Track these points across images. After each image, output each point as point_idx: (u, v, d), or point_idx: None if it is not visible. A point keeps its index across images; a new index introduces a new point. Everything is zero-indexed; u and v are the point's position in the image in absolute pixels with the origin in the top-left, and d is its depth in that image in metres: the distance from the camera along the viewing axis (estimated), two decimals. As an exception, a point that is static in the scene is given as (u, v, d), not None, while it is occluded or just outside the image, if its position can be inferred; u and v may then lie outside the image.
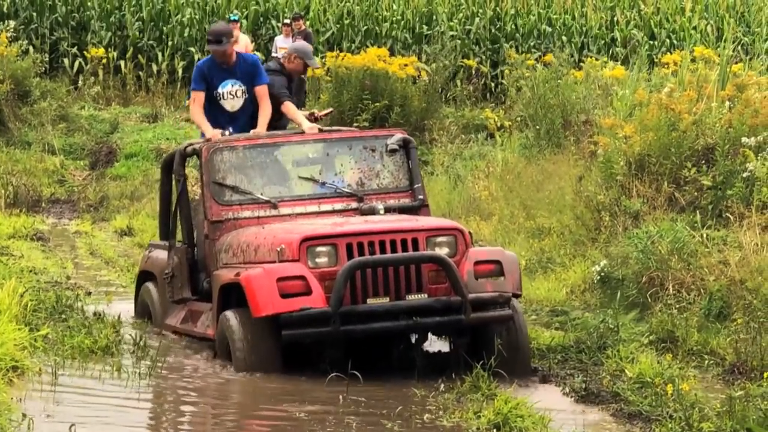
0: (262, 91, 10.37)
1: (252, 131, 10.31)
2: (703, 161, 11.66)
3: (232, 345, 8.71)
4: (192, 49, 25.26)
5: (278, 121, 10.61)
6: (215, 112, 10.35)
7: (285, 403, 8.01)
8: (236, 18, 23.85)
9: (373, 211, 9.46)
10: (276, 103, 10.42)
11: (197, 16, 25.18)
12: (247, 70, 10.47)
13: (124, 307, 11.11)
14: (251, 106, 10.46)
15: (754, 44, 25.67)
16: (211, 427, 7.67)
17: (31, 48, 24.26)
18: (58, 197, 19.51)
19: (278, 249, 8.75)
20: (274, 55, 23.16)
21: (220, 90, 10.40)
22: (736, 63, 16.71)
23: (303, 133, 10.14)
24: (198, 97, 10.32)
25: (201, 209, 9.85)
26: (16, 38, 23.58)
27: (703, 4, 28.07)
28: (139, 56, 25.73)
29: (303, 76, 11.16)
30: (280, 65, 10.90)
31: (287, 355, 8.60)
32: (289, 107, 10.46)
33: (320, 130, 10.41)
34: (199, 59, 12.33)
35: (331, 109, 10.74)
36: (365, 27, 26.67)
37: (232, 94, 10.42)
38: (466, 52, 25.89)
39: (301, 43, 11.43)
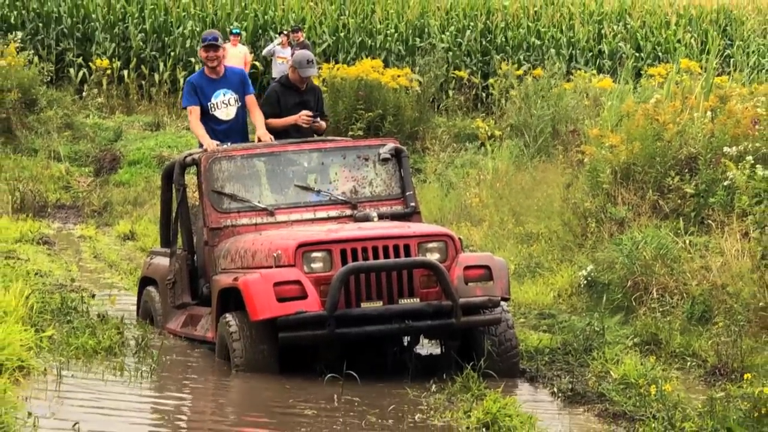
0: (251, 100, 10.63)
1: (257, 133, 10.45)
2: (687, 170, 11.69)
3: (230, 347, 8.70)
4: (193, 59, 25.19)
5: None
6: (210, 123, 10.40)
7: (282, 403, 8.02)
8: (237, 31, 23.91)
9: (366, 218, 9.47)
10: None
11: (198, 28, 25.18)
12: (236, 80, 10.61)
13: (126, 309, 11.13)
14: (243, 115, 10.55)
15: (737, 57, 25.72)
16: (210, 425, 7.68)
17: (37, 58, 24.24)
18: (64, 203, 19.52)
19: (275, 255, 8.76)
20: (272, 54, 23.24)
21: (213, 100, 10.47)
22: (720, 75, 16.77)
23: (299, 143, 10.18)
24: (194, 111, 10.41)
25: (200, 216, 9.87)
26: (23, 49, 23.60)
27: (687, 18, 28.12)
28: (142, 66, 25.74)
29: (313, 86, 11.09)
30: (286, 78, 10.92)
31: (284, 357, 8.61)
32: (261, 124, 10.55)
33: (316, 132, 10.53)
34: (194, 73, 12.37)
35: (317, 118, 10.68)
36: (360, 39, 26.68)
37: (225, 103, 10.50)
38: (458, 63, 25.92)
39: (297, 53, 11.41)
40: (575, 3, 28.76)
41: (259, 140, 10.39)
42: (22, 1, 26.35)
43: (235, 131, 10.51)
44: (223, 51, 10.84)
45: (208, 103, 10.50)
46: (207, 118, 10.46)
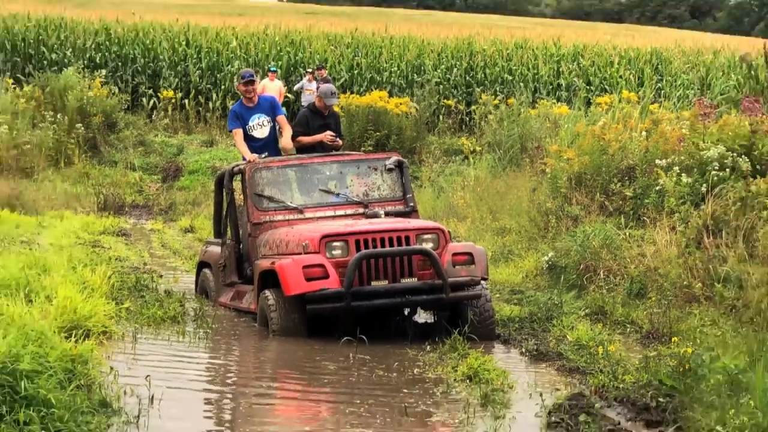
0: (282, 119, 10.77)
1: (281, 142, 10.64)
2: (626, 178, 11.67)
3: (268, 317, 8.72)
4: (224, 94, 25.54)
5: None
6: (250, 141, 10.49)
7: (309, 361, 8.03)
8: (274, 69, 23.89)
9: (375, 215, 9.47)
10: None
11: (243, 66, 25.17)
12: (267, 106, 10.73)
13: (187, 287, 11.14)
14: (274, 131, 10.64)
15: (666, 89, 25.68)
16: (253, 378, 7.68)
17: (117, 90, 24.28)
18: (138, 203, 19.53)
19: (303, 244, 8.77)
20: (302, 88, 23.17)
21: (250, 123, 10.57)
22: (653, 103, 16.72)
23: (322, 156, 10.19)
24: (238, 132, 10.56)
25: (245, 214, 9.88)
26: (106, 83, 23.64)
27: (627, 58, 28.08)
28: (199, 97, 25.75)
29: (333, 112, 11.13)
30: (313, 105, 10.96)
31: (311, 324, 8.61)
32: (287, 137, 10.65)
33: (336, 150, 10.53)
34: (236, 101, 12.44)
35: (337, 138, 10.70)
36: (370, 75, 26.68)
37: (260, 125, 10.59)
38: (447, 94, 25.88)
39: (323, 86, 11.43)
40: (539, 47, 28.76)
41: (284, 149, 10.57)
42: (106, 45, 26.38)
43: (269, 146, 10.59)
44: (256, 85, 10.98)
45: (247, 126, 10.58)
46: (247, 137, 10.55)
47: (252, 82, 10.77)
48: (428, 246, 8.73)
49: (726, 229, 9.35)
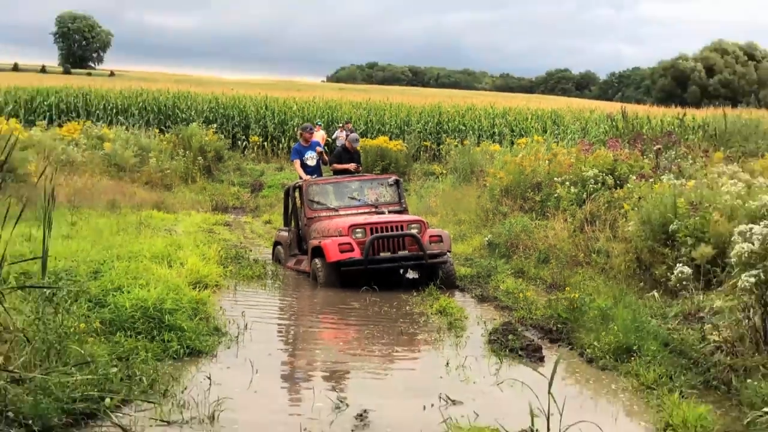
0: (319, 151, 10.72)
1: (324, 166, 10.75)
2: (536, 189, 11.63)
3: (317, 275, 8.71)
4: (297, 136, 25.38)
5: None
6: (305, 167, 10.47)
7: (341, 301, 8.00)
8: (319, 123, 23.77)
9: (382, 213, 9.44)
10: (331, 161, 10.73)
11: (301, 122, 25.12)
12: (314, 146, 10.67)
13: (267, 257, 11.12)
14: (320, 162, 10.69)
15: (561, 134, 25.55)
16: (308, 310, 7.67)
17: (222, 136, 24.26)
18: (236, 206, 19.42)
19: (338, 230, 8.76)
20: (337, 137, 23.13)
21: (305, 156, 10.55)
22: (554, 143, 16.67)
23: (349, 177, 10.16)
24: (297, 162, 10.59)
25: (302, 212, 9.85)
26: (216, 132, 23.64)
27: (536, 115, 27.97)
28: (273, 140, 25.67)
29: (356, 150, 11.13)
30: (343, 146, 10.98)
31: (343, 279, 8.59)
32: (334, 166, 10.64)
33: (357, 172, 10.49)
34: (296, 142, 12.43)
35: (359, 166, 10.72)
36: (378, 127, 26.53)
37: (311, 158, 10.60)
38: (425, 138, 25.73)
39: (350, 135, 11.43)
40: (481, 109, 28.65)
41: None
42: (215, 109, 26.30)
43: (316, 171, 10.59)
44: (312, 133, 10.93)
45: (303, 158, 10.55)
46: (303, 165, 10.52)
47: (310, 132, 10.82)
48: (414, 231, 8.72)
49: (598, 221, 9.33)
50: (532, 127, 26.50)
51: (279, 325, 7.06)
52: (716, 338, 5.39)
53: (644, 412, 4.75)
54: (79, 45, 73.38)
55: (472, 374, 5.35)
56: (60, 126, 20.93)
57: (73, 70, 60.83)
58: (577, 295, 6.80)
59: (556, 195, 10.65)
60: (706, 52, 61.25)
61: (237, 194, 20.40)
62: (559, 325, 6.55)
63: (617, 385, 5.22)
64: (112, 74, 55.77)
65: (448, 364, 5.56)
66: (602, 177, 10.32)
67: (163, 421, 4.30)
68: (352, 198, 9.75)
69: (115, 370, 4.69)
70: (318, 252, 8.82)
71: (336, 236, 8.70)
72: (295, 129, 25.40)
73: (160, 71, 66.07)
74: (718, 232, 6.93)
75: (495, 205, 12.20)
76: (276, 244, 10.86)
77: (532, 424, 3.85)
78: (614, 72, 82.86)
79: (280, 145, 25.60)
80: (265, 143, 25.59)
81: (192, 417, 4.37)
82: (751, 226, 5.37)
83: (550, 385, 3.75)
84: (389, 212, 9.45)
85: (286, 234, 10.40)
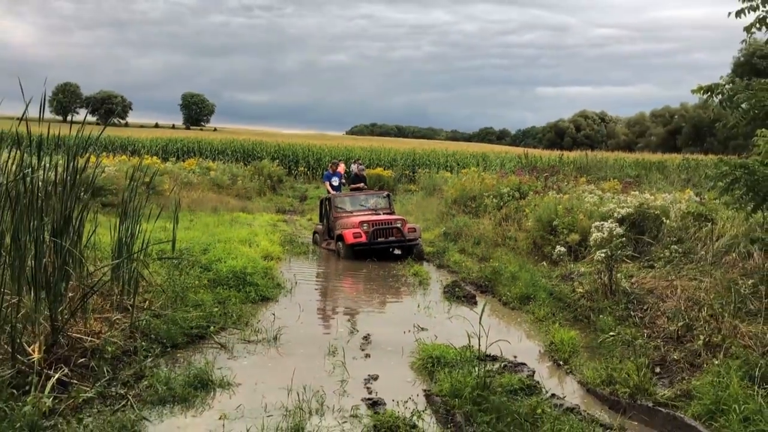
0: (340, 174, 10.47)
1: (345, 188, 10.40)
2: (473, 199, 11.59)
3: (340, 252, 8.64)
4: (327, 165, 25.15)
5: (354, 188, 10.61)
6: (332, 186, 10.40)
7: (355, 267, 7.90)
8: (341, 159, 23.56)
9: (379, 214, 9.38)
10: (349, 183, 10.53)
11: (329, 159, 24.90)
12: (339, 173, 10.53)
13: (308, 240, 11.04)
14: (340, 184, 10.56)
15: (489, 167, 25.48)
16: (333, 271, 7.62)
17: (282, 167, 24.10)
18: (291, 209, 19.30)
19: (353, 225, 8.68)
20: (353, 169, 23.04)
21: (333, 179, 10.48)
22: (483, 172, 16.65)
23: (360, 192, 10.09)
24: (327, 183, 10.49)
25: (331, 213, 9.76)
26: (279, 165, 23.49)
27: (473, 155, 27.88)
28: (313, 170, 25.54)
29: (364, 176, 11.06)
30: (355, 174, 10.94)
31: (356, 255, 8.50)
32: (350, 186, 10.50)
33: (363, 189, 10.41)
34: (325, 170, 12.35)
35: (365, 186, 10.64)
36: (377, 162, 26.44)
37: (336, 181, 10.48)
38: (406, 167, 25.66)
39: (360, 166, 11.38)
40: (440, 152, 28.55)
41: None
42: (278, 150, 26.13)
43: (338, 189, 10.54)
44: (337, 166, 10.88)
45: (330, 180, 10.50)
46: (331, 185, 10.45)
47: (336, 165, 10.79)
48: (399, 225, 8.67)
49: (510, 219, 9.33)
50: (470, 162, 26.41)
51: (316, 282, 7.03)
52: (581, 290, 5.46)
53: (537, 335, 4.80)
54: (195, 111, 74.84)
55: (433, 312, 5.38)
56: (183, 161, 20.88)
57: (191, 127, 61.61)
58: (497, 264, 6.82)
59: (484, 203, 10.64)
60: (576, 116, 62.13)
61: (291, 203, 20.24)
62: (486, 282, 6.58)
63: (521, 319, 5.27)
64: (215, 130, 55.64)
65: (419, 305, 5.59)
66: (512, 192, 10.33)
67: (246, 340, 4.38)
68: (361, 205, 9.67)
69: (216, 309, 4.79)
70: (340, 238, 8.77)
71: (351, 228, 8.67)
72: (327, 163, 25.33)
73: (244, 128, 67.41)
74: (582, 226, 7.00)
75: (448, 209, 12.15)
76: (314, 233, 10.73)
77: (470, 342, 3.88)
78: (520, 128, 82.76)
79: (317, 173, 25.48)
80: (308, 171, 25.46)
81: (264, 338, 4.46)
82: (602, 222, 5.54)
83: (480, 318, 3.78)
84: (383, 213, 9.40)
85: (321, 227, 10.33)
